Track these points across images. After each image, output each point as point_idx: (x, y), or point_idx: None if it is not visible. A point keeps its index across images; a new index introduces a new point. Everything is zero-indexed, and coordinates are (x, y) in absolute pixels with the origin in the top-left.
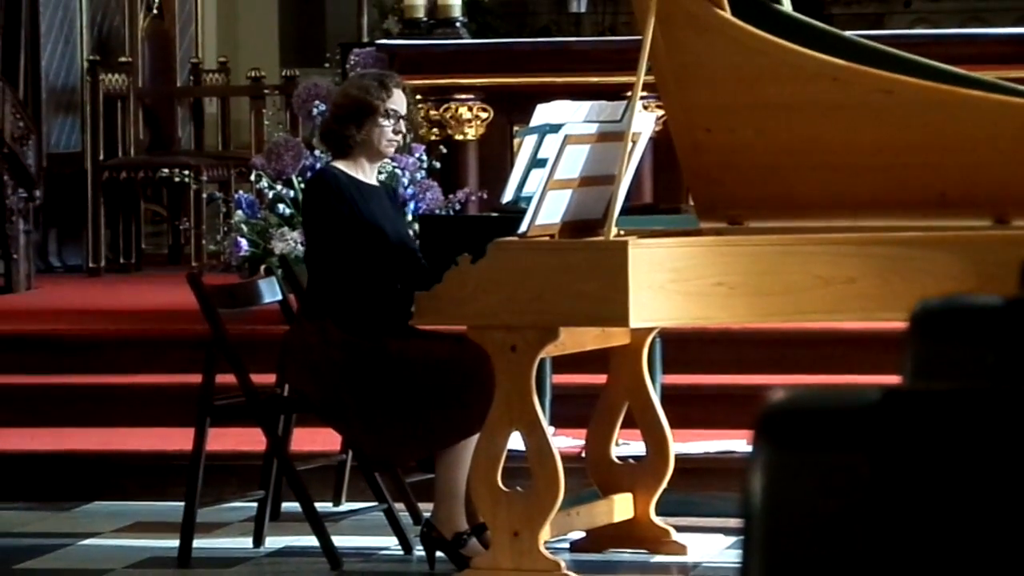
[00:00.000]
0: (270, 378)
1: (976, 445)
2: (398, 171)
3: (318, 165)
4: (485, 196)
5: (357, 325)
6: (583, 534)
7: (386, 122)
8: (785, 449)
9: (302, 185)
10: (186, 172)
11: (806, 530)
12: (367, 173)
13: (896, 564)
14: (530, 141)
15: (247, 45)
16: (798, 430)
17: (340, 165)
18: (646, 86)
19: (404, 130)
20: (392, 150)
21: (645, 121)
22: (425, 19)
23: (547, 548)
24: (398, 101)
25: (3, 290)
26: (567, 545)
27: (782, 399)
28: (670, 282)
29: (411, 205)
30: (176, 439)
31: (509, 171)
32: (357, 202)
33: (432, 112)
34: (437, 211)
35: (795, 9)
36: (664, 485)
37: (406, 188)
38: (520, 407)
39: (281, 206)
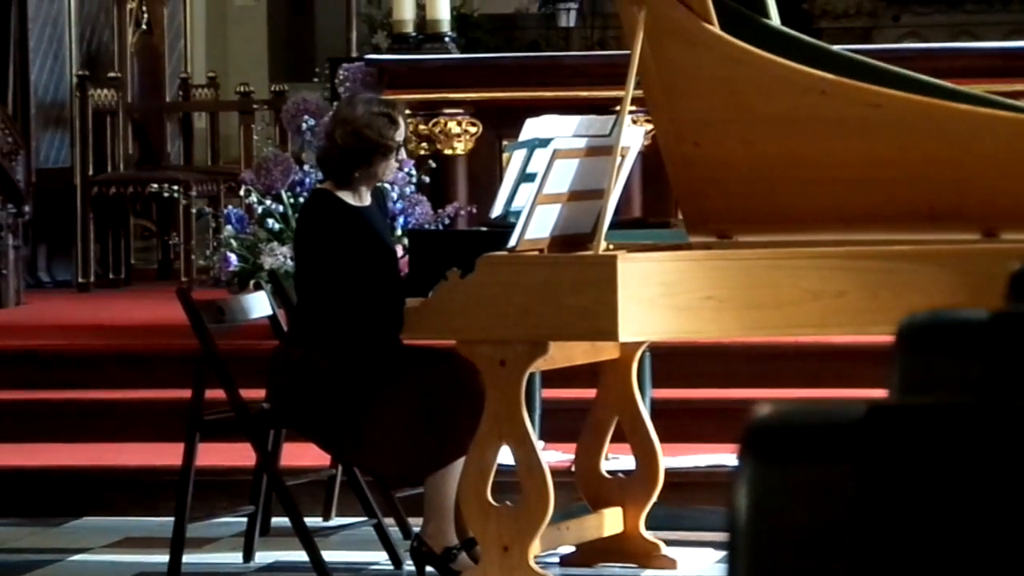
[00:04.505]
0: (259, 393)
1: (962, 459)
2: (387, 185)
3: (307, 180)
4: (474, 211)
5: (345, 356)
6: (573, 548)
7: (394, 156)
8: (770, 463)
9: (291, 200)
10: (175, 187)
11: (791, 544)
12: (363, 197)
13: None
14: (519, 155)
15: (236, 60)
16: (783, 444)
17: (339, 193)
18: (635, 100)
19: (405, 155)
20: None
21: (634, 135)
22: (414, 34)
23: (537, 563)
24: (402, 131)
25: None
26: (557, 560)
27: (767, 413)
28: (659, 296)
29: (400, 220)
30: (166, 454)
31: (498, 185)
32: (354, 231)
33: (421, 127)
34: (426, 226)
35: (783, 23)
36: (654, 499)
37: (395, 203)
38: (509, 421)
39: (270, 221)
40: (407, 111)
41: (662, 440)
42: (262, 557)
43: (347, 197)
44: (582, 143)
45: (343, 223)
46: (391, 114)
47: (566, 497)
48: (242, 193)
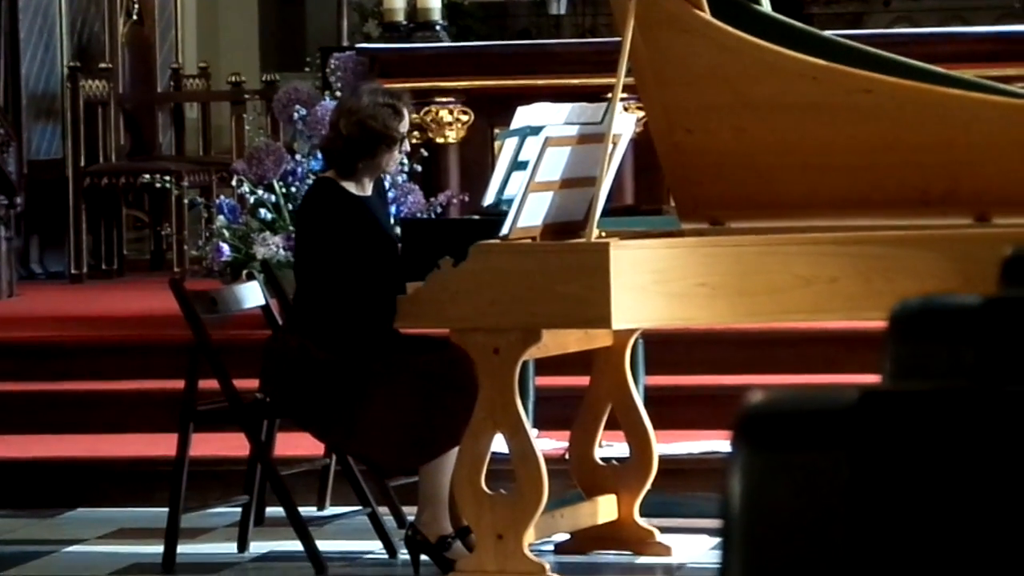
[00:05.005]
0: (253, 383)
1: (955, 445)
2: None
3: (299, 169)
4: (466, 199)
5: (341, 345)
6: (567, 536)
7: (398, 147)
8: (764, 450)
9: (283, 190)
10: (167, 178)
11: (785, 531)
12: (365, 187)
13: (875, 564)
14: (511, 143)
15: (227, 50)
16: (777, 431)
17: (342, 183)
18: (626, 87)
19: (408, 147)
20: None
21: (626, 123)
22: (405, 22)
23: (531, 550)
24: (407, 122)
25: None
26: (551, 547)
27: (760, 400)
28: (652, 283)
29: (392, 208)
30: (159, 445)
31: (490, 174)
32: (356, 221)
33: (413, 115)
34: (419, 214)
35: (774, 9)
36: (648, 486)
37: (387, 191)
38: (503, 409)
39: (263, 211)
40: None
41: (655, 427)
42: (256, 547)
43: (350, 187)
44: (574, 131)
45: (345, 212)
46: (396, 105)
47: (560, 485)
48: (234, 183)
